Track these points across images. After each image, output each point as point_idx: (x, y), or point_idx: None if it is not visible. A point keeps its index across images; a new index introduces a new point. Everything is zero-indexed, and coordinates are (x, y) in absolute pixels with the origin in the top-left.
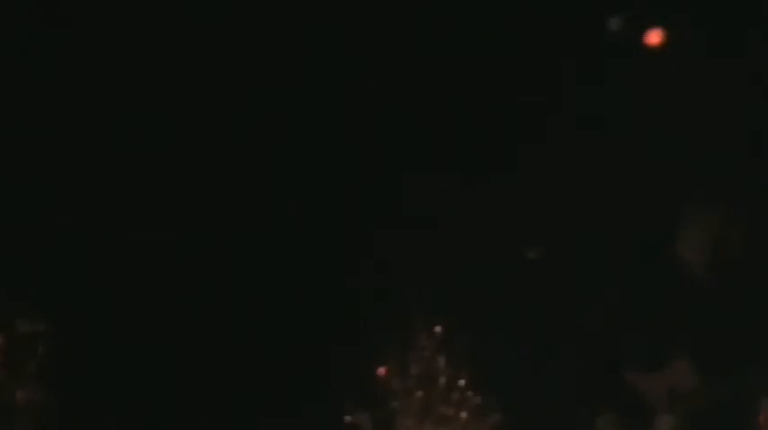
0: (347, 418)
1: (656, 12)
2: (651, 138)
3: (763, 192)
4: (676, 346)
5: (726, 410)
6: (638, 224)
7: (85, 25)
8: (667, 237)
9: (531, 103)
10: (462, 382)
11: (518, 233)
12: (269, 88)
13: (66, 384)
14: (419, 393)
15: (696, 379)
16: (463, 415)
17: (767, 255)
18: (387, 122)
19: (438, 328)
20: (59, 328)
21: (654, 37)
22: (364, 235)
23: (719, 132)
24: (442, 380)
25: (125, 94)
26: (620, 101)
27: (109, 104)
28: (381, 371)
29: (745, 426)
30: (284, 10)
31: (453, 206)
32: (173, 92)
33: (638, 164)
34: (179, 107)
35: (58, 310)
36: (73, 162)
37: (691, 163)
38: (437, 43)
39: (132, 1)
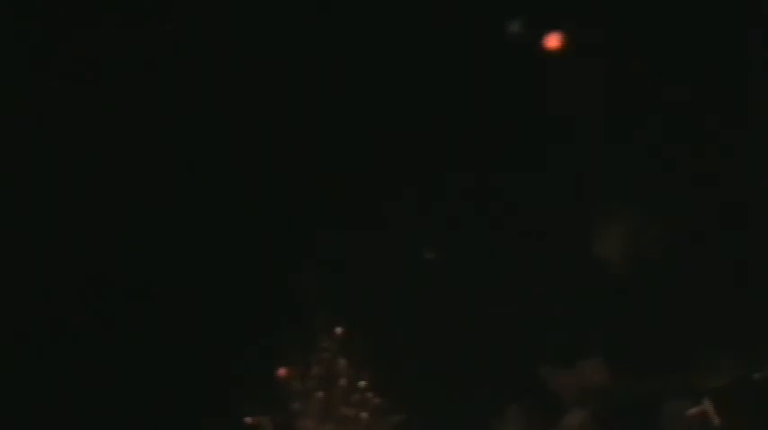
0: (247, 420)
1: (556, 14)
2: (562, 138)
3: (678, 192)
4: (589, 344)
5: (636, 409)
6: (551, 222)
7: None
8: (582, 234)
9: (438, 103)
10: (363, 383)
11: (421, 232)
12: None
13: None
14: (320, 394)
15: (608, 377)
16: (364, 415)
17: (684, 255)
18: (302, 124)
19: (339, 329)
20: None
21: (553, 40)
22: (264, 234)
23: (631, 132)
24: (343, 382)
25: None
26: (529, 101)
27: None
28: (282, 372)
29: (653, 425)
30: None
31: (354, 206)
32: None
33: (551, 162)
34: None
35: None
36: None
37: (605, 162)
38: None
39: None
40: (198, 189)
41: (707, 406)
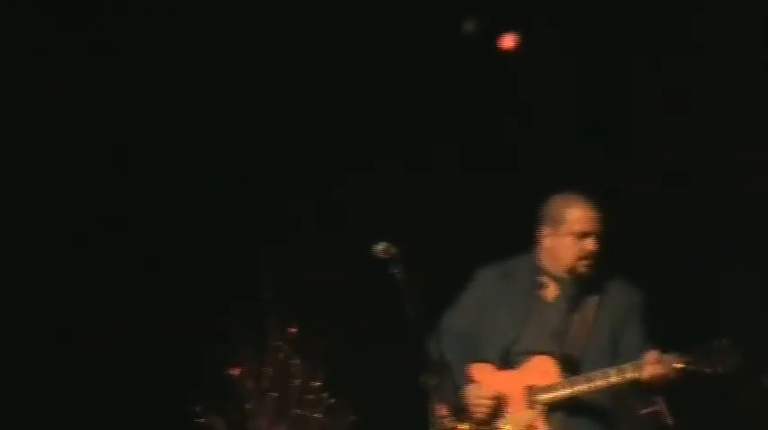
0: (201, 420)
1: (512, 14)
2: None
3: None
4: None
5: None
6: (495, 224)
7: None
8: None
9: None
10: (318, 383)
11: (373, 233)
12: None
13: None
14: (274, 394)
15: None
16: (318, 416)
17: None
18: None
19: (293, 329)
20: None
21: (508, 41)
22: (218, 234)
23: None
24: (298, 382)
25: None
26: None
27: None
28: (235, 372)
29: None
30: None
31: (308, 204)
32: None
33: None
34: None
35: None
36: None
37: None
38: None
39: None
40: (154, 186)
41: (660, 405)
